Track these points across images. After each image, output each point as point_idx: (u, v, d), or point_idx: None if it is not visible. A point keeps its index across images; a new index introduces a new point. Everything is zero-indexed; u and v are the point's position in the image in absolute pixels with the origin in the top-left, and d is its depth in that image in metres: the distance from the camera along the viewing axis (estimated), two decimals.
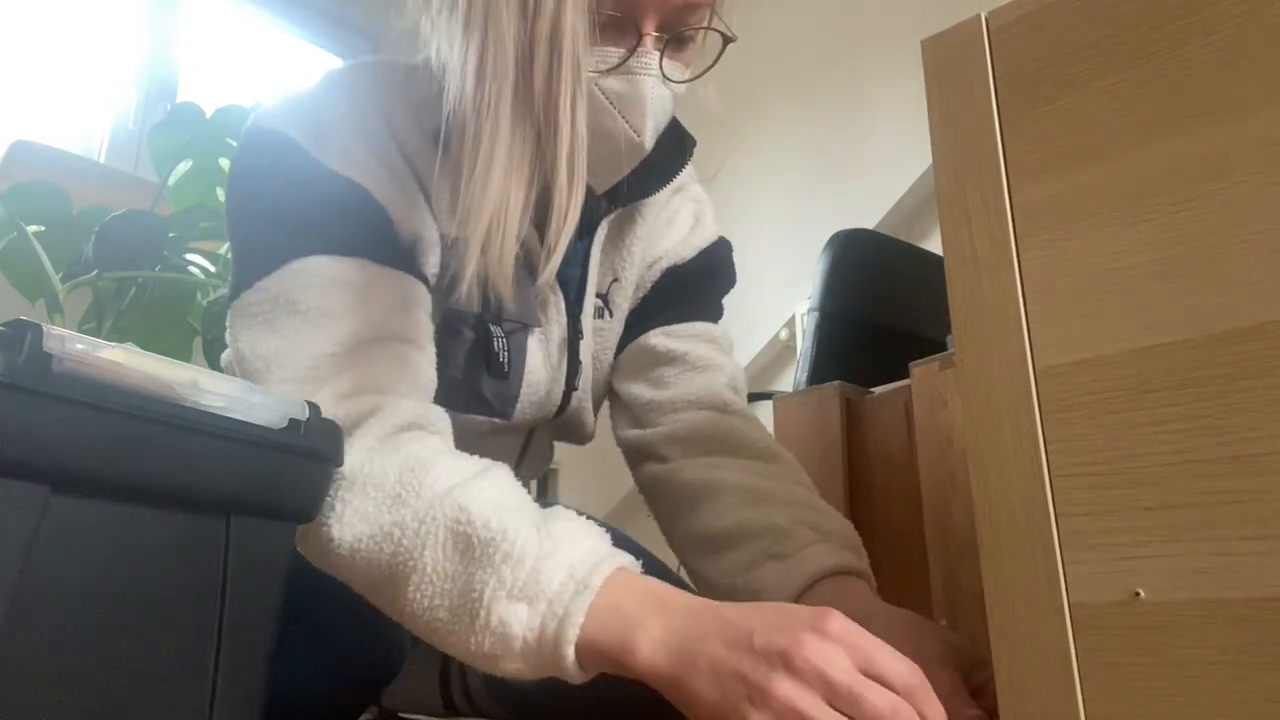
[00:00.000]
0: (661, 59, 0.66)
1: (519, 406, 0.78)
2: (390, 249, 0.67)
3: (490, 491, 0.56)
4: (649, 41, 0.65)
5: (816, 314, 1.71)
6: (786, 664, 0.45)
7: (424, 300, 0.69)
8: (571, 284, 0.80)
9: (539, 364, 0.78)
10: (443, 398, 0.69)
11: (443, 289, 0.72)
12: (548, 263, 0.65)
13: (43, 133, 2.16)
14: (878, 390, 1.09)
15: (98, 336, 0.47)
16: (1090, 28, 0.45)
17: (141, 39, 2.40)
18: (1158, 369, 0.40)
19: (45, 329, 0.41)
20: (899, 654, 0.47)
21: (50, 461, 0.41)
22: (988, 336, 0.45)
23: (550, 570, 0.51)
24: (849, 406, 1.09)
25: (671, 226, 0.88)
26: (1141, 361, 0.41)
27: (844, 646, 0.46)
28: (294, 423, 0.53)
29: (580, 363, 0.81)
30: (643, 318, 0.87)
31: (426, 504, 0.55)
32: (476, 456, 0.62)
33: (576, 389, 0.82)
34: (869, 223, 2.36)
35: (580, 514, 0.56)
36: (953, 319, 0.47)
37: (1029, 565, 0.42)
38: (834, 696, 0.44)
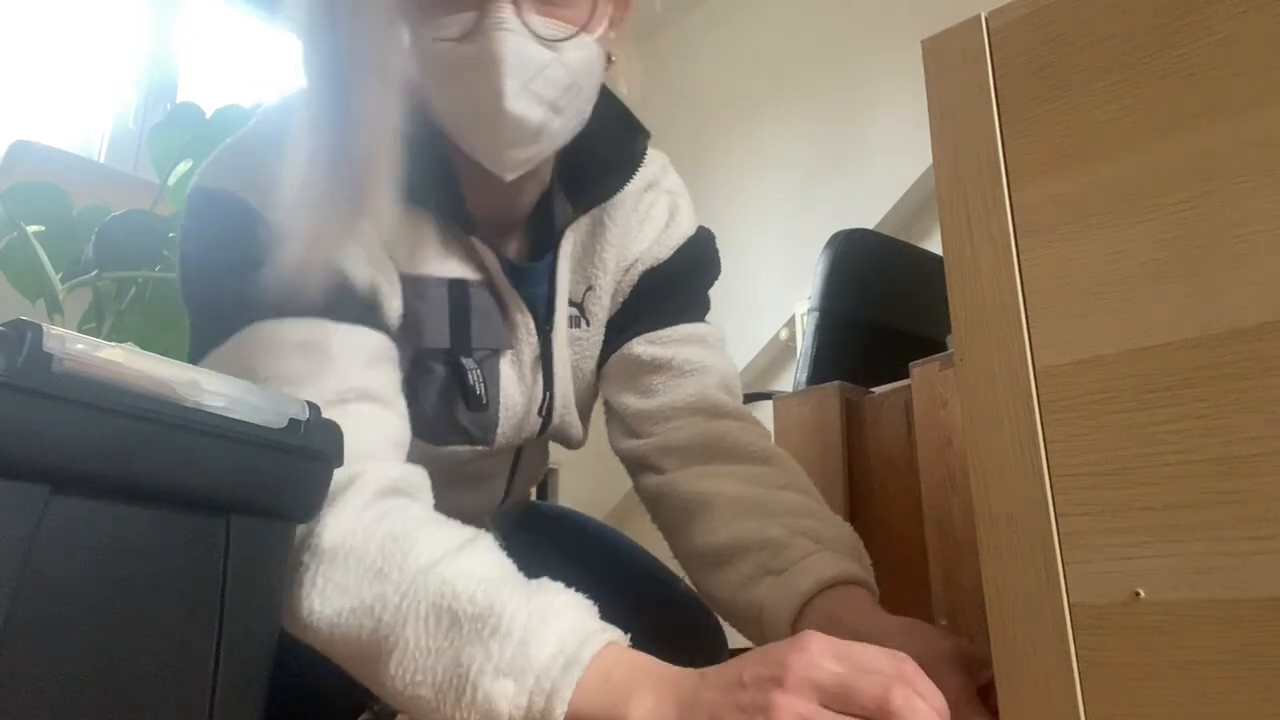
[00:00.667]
0: (520, 12, 0.62)
1: (500, 432, 0.76)
2: (347, 304, 0.64)
3: (475, 565, 0.55)
4: None
5: (816, 314, 1.71)
6: (779, 685, 0.45)
7: (388, 352, 0.67)
8: (538, 302, 0.78)
9: (514, 386, 0.77)
10: (421, 432, 0.67)
11: (409, 329, 0.70)
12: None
13: (43, 133, 2.16)
14: (878, 390, 1.09)
15: (98, 336, 0.47)
16: (1090, 28, 0.45)
17: (141, 39, 2.40)
18: (1158, 369, 0.40)
19: (45, 329, 0.41)
20: (880, 649, 0.47)
21: (50, 461, 0.40)
22: (988, 336, 0.45)
23: (539, 644, 0.50)
24: (849, 406, 1.09)
25: (645, 225, 0.85)
26: (1141, 361, 0.41)
27: (826, 655, 0.46)
28: (294, 423, 0.53)
29: (555, 381, 0.80)
30: (625, 324, 0.84)
31: (409, 579, 0.53)
32: (459, 524, 0.60)
33: (555, 407, 0.80)
34: (869, 223, 2.36)
35: (567, 587, 0.55)
36: (953, 319, 0.47)
37: (1029, 565, 0.42)
38: (828, 699, 0.44)
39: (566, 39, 0.65)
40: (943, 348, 1.00)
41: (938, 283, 0.48)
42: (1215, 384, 0.39)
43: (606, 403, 0.86)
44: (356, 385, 0.62)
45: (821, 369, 1.64)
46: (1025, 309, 0.44)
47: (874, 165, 2.74)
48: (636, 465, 0.83)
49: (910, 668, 0.46)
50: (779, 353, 2.90)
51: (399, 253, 0.69)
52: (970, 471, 0.45)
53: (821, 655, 0.46)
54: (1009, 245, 0.46)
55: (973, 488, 0.44)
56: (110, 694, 0.43)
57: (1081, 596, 0.40)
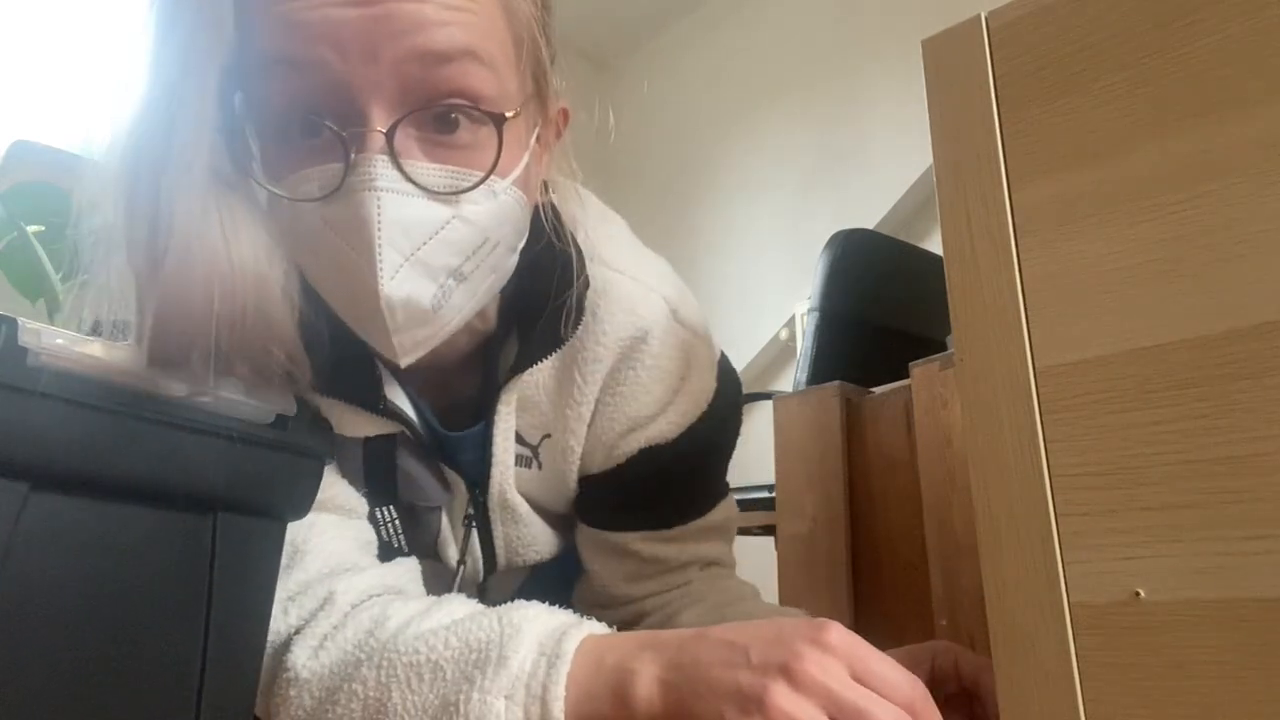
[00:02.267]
0: (399, 161, 0.49)
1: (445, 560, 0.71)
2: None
3: (444, 616, 0.53)
4: (370, 141, 0.48)
5: (816, 314, 1.71)
6: (786, 676, 0.43)
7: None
8: (470, 470, 0.67)
9: (449, 539, 0.70)
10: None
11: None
12: None
13: (43, 133, 2.16)
14: (878, 390, 1.09)
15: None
16: (1090, 28, 0.45)
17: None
18: (1158, 369, 0.40)
19: (20, 322, 0.40)
20: (899, 666, 0.46)
21: (28, 458, 0.40)
22: (988, 336, 0.45)
23: (518, 654, 0.48)
24: (849, 406, 1.09)
25: (644, 390, 0.67)
26: (1141, 361, 0.41)
27: (843, 658, 0.44)
28: (281, 418, 0.52)
29: (494, 540, 0.71)
30: (618, 505, 0.71)
31: (383, 652, 0.51)
32: (396, 567, 0.59)
33: (497, 560, 0.72)
34: (869, 223, 2.37)
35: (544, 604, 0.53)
36: (953, 319, 0.47)
37: (1029, 565, 0.42)
38: (838, 710, 0.43)
39: (469, 189, 0.51)
40: (943, 348, 0.99)
41: (938, 283, 0.48)
42: (1216, 384, 0.39)
43: (578, 561, 0.76)
44: (324, 499, 0.59)
45: (821, 369, 1.64)
46: (1025, 309, 0.44)
47: (874, 165, 2.74)
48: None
49: (922, 696, 0.45)
50: (779, 353, 2.90)
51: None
52: (970, 471, 0.45)
53: (840, 657, 0.44)
54: (1009, 245, 0.45)
55: (973, 488, 0.44)
56: (93, 697, 0.42)
57: (1081, 596, 0.40)
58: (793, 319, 2.83)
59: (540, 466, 0.69)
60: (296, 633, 0.55)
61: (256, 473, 0.51)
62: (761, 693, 0.43)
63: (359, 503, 0.63)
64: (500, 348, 0.66)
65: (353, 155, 0.49)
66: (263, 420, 0.51)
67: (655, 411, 0.68)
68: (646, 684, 0.46)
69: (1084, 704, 0.39)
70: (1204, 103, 0.41)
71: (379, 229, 0.48)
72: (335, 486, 0.61)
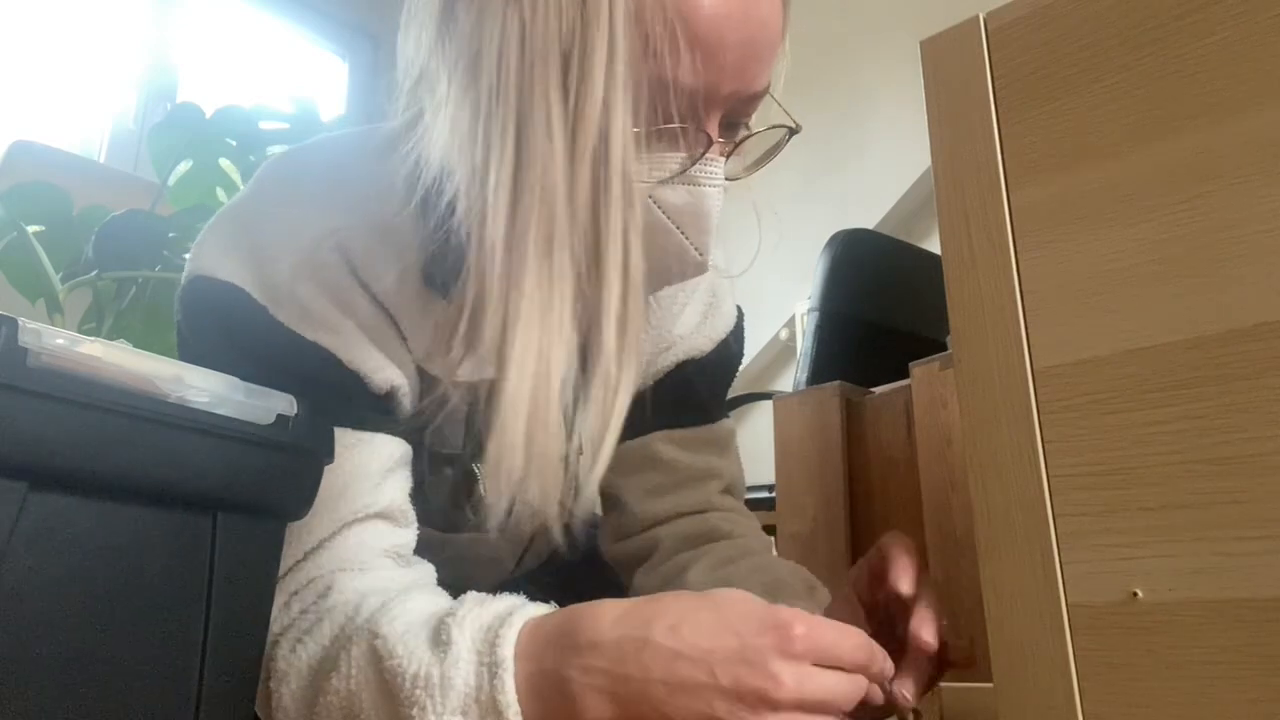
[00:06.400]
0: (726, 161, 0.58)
1: (510, 522, 0.72)
2: (361, 412, 0.60)
3: (401, 618, 0.52)
4: (716, 148, 0.57)
5: (816, 314, 1.71)
6: (769, 704, 0.44)
7: (401, 456, 0.62)
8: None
9: None
10: (429, 523, 0.65)
11: (421, 431, 0.64)
12: (592, 470, 0.55)
13: (43, 133, 2.16)
14: (878, 390, 1.09)
15: (98, 336, 0.46)
16: (1090, 28, 0.45)
17: (141, 39, 2.41)
18: (1157, 369, 0.40)
19: (20, 323, 0.40)
20: (846, 630, 0.48)
21: (27, 458, 0.39)
22: (986, 337, 0.45)
23: (457, 668, 0.47)
24: (849, 406, 1.09)
25: (686, 309, 0.77)
26: (1140, 361, 0.41)
27: (810, 656, 0.45)
28: (282, 419, 0.52)
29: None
30: (649, 411, 0.75)
31: (350, 659, 0.51)
32: (406, 572, 0.59)
33: (572, 505, 0.74)
34: (869, 223, 2.36)
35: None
36: (951, 319, 0.47)
37: (1028, 565, 0.42)
38: (813, 707, 0.45)
39: (738, 179, 0.62)
40: (943, 348, 0.99)
41: (938, 283, 0.48)
42: (1212, 384, 0.39)
43: (603, 493, 0.80)
44: (365, 505, 0.59)
45: (821, 369, 1.64)
46: (1023, 309, 0.44)
47: (874, 165, 2.74)
48: (633, 564, 0.79)
49: (870, 649, 0.48)
50: (779, 353, 2.90)
51: (418, 344, 0.62)
52: (969, 472, 0.45)
53: (808, 656, 0.46)
54: (1007, 245, 0.46)
55: (972, 488, 0.45)
56: (91, 696, 0.42)
57: (1079, 597, 0.40)
58: (793, 319, 2.83)
59: None
60: (290, 626, 0.55)
61: (256, 473, 0.51)
62: None
63: (404, 506, 0.62)
64: None
65: (702, 150, 0.57)
66: (263, 420, 0.51)
67: (690, 332, 0.77)
68: (590, 697, 0.46)
69: (1082, 704, 0.39)
70: (1203, 103, 0.41)
71: (714, 218, 0.59)
72: (392, 493, 0.60)
